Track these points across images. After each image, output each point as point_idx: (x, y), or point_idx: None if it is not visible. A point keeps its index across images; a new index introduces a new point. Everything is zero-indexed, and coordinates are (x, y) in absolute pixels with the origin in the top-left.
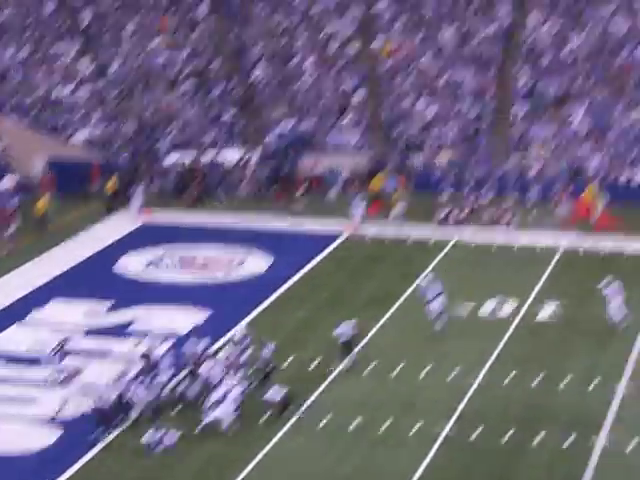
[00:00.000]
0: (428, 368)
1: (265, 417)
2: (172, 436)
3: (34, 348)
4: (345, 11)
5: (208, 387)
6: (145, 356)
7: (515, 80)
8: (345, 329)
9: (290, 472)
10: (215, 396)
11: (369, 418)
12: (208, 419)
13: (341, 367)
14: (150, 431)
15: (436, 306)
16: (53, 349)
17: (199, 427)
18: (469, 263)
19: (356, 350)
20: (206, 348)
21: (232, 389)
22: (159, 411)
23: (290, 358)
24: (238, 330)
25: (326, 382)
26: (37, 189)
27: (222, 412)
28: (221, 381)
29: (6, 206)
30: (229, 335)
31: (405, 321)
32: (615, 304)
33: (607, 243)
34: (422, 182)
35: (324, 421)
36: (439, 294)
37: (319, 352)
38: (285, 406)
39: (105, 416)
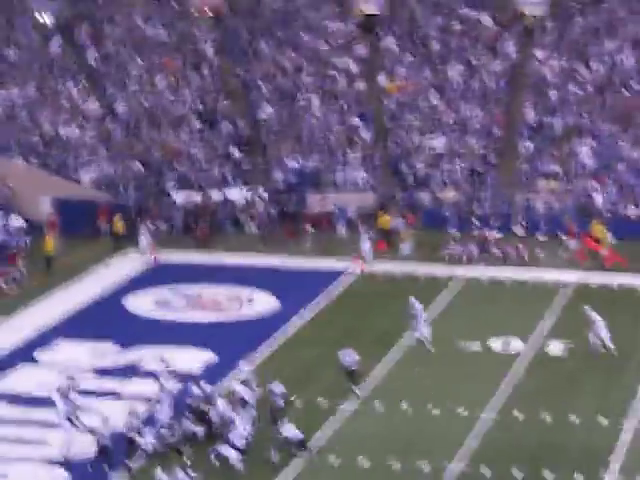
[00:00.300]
0: (439, 405)
1: (273, 457)
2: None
3: (41, 389)
4: (351, 48)
5: (220, 426)
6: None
7: (522, 115)
8: (351, 358)
9: None
10: (228, 435)
11: (378, 456)
12: (220, 457)
13: (350, 405)
14: (158, 471)
15: (424, 330)
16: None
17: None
18: (479, 299)
19: (363, 387)
20: (211, 391)
21: (243, 428)
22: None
23: (298, 397)
24: (245, 370)
25: (335, 421)
26: (43, 229)
27: (234, 452)
28: (232, 421)
29: (13, 247)
30: (237, 374)
31: (414, 358)
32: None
33: (617, 278)
34: (430, 219)
35: (333, 460)
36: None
37: (327, 390)
38: (303, 444)
39: (109, 454)
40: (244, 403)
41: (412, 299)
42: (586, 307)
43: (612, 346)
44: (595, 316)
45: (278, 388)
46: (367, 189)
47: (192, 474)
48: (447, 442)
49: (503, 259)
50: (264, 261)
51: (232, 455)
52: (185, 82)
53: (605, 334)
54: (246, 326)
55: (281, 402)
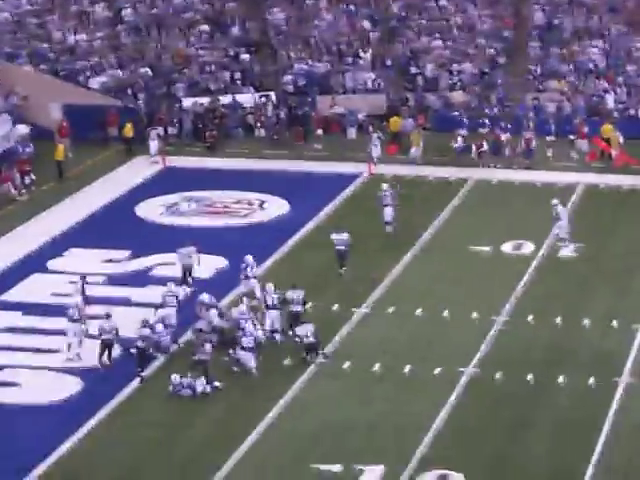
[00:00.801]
0: (450, 309)
1: (287, 361)
2: (199, 383)
3: (54, 298)
4: None
5: (237, 330)
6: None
7: (531, 16)
8: (342, 238)
9: (314, 417)
10: (244, 340)
11: (392, 361)
12: (237, 362)
13: (363, 309)
14: (175, 376)
15: (389, 212)
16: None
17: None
18: (489, 201)
19: (377, 292)
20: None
21: (258, 332)
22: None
23: (311, 302)
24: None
25: (347, 325)
26: (54, 136)
27: (249, 356)
28: (247, 325)
29: (22, 155)
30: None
31: (426, 261)
32: (562, 223)
33: (627, 180)
34: (440, 121)
35: (347, 365)
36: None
37: (340, 296)
38: (317, 345)
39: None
40: (260, 308)
41: None
42: (554, 202)
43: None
44: (562, 213)
45: (295, 294)
46: (377, 91)
47: (214, 383)
48: (460, 347)
49: (514, 158)
50: (274, 165)
51: (245, 357)
52: None
53: (564, 232)
54: (257, 230)
55: (299, 308)
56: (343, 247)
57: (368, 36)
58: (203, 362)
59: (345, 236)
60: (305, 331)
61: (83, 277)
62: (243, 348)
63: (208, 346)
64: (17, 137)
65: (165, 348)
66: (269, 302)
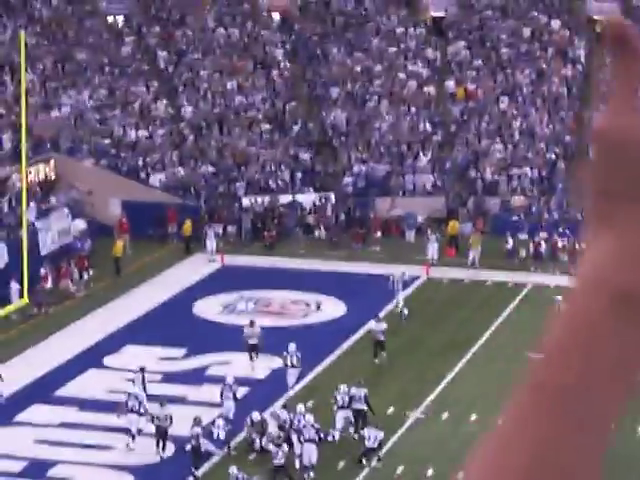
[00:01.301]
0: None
1: (343, 464)
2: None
3: (108, 395)
4: (421, 53)
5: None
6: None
7: (592, 121)
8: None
9: None
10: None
11: (445, 466)
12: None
13: (417, 414)
14: (233, 468)
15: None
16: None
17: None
18: (547, 306)
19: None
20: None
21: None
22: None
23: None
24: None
25: (402, 429)
26: (112, 232)
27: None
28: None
29: (80, 250)
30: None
31: (482, 367)
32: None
33: None
34: (499, 225)
35: (400, 469)
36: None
37: (395, 398)
38: (378, 451)
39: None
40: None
41: None
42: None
43: None
44: None
45: (359, 391)
46: (436, 194)
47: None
48: None
49: (572, 265)
50: (332, 266)
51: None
52: (255, 85)
53: None
54: (313, 332)
55: (362, 405)
56: (382, 337)
57: (429, 138)
58: (281, 467)
59: (383, 326)
60: (373, 436)
61: (142, 369)
62: (306, 440)
63: (284, 448)
64: (76, 232)
65: (221, 444)
66: (339, 402)
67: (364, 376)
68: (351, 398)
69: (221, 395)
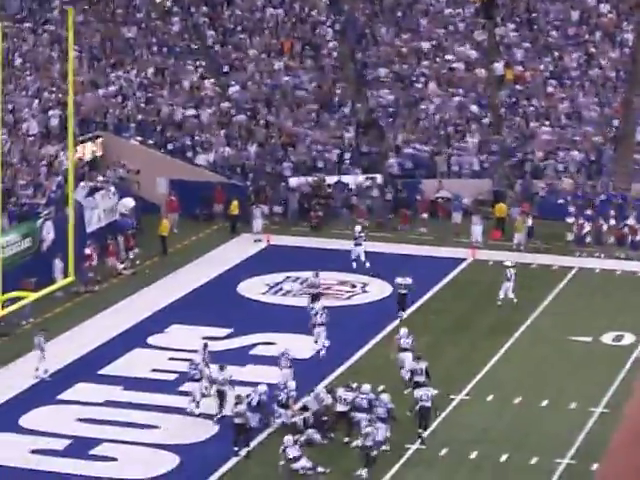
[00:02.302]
0: (548, 398)
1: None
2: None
3: (153, 374)
4: (470, 35)
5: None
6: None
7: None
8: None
9: None
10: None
11: (488, 449)
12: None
13: (463, 395)
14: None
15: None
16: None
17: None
18: (592, 290)
19: (475, 379)
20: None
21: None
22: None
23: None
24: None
25: (446, 411)
26: (159, 211)
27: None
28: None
29: (127, 228)
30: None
31: (527, 349)
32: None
33: None
34: (546, 208)
35: (444, 452)
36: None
37: (440, 380)
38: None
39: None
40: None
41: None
42: (507, 262)
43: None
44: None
45: (420, 366)
46: (483, 176)
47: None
48: (557, 437)
49: (618, 247)
50: (379, 248)
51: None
52: (302, 65)
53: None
54: (359, 313)
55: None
56: (405, 291)
57: (476, 120)
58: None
59: (409, 281)
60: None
61: (205, 345)
62: (379, 419)
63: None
64: (123, 210)
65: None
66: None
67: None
68: (412, 372)
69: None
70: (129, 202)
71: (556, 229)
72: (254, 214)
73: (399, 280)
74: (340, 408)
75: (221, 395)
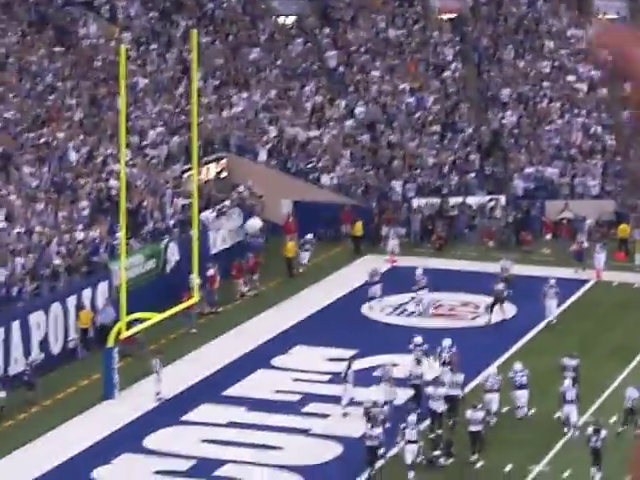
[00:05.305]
0: None
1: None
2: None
3: (277, 395)
4: (593, 55)
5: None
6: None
7: None
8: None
9: None
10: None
11: (611, 472)
12: None
13: (586, 417)
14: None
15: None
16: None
17: None
18: None
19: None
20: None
21: None
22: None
23: (535, 408)
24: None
25: (566, 437)
26: (282, 232)
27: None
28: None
29: (253, 249)
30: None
31: None
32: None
33: None
34: None
35: (567, 473)
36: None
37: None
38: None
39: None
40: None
41: None
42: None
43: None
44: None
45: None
46: (606, 197)
47: None
48: None
49: None
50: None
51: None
52: (425, 86)
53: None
54: (483, 334)
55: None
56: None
57: (600, 141)
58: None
59: (575, 362)
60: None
61: (351, 358)
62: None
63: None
64: (252, 230)
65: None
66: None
67: (532, 380)
68: (564, 368)
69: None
70: (257, 223)
71: None
72: (387, 234)
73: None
74: (473, 429)
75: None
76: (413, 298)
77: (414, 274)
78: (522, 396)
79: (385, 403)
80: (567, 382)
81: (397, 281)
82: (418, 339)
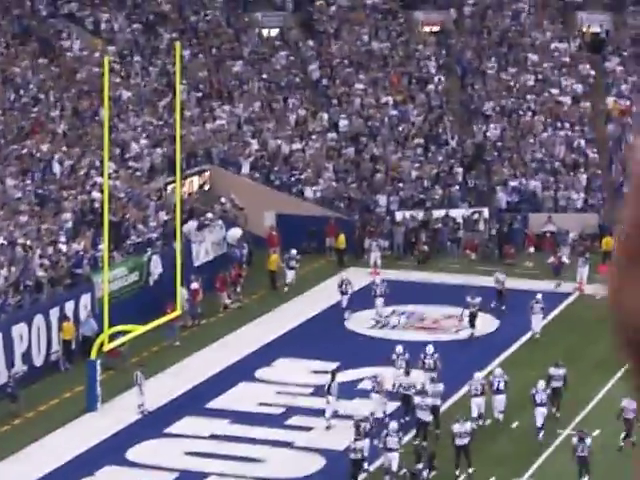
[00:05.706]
0: None
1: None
2: None
3: (260, 408)
4: (576, 69)
5: None
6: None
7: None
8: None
9: None
10: None
11: None
12: None
13: (567, 431)
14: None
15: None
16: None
17: None
18: None
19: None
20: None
21: None
22: None
23: (517, 422)
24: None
25: (551, 448)
26: (265, 245)
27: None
28: None
29: (238, 259)
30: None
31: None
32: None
33: None
34: None
35: None
36: None
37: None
38: None
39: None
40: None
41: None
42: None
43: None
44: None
45: (558, 372)
46: (590, 210)
47: None
48: None
49: None
50: (485, 281)
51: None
52: (409, 99)
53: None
54: (465, 347)
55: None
56: (560, 383)
57: (583, 155)
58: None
59: (562, 372)
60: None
61: (334, 372)
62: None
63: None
64: (232, 240)
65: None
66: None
67: (515, 394)
68: (549, 378)
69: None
70: (236, 232)
71: None
72: (372, 247)
73: (552, 371)
74: (459, 442)
75: (404, 401)
76: (394, 311)
77: (396, 286)
78: (500, 401)
79: (373, 414)
80: (540, 385)
81: (380, 293)
82: (399, 348)
